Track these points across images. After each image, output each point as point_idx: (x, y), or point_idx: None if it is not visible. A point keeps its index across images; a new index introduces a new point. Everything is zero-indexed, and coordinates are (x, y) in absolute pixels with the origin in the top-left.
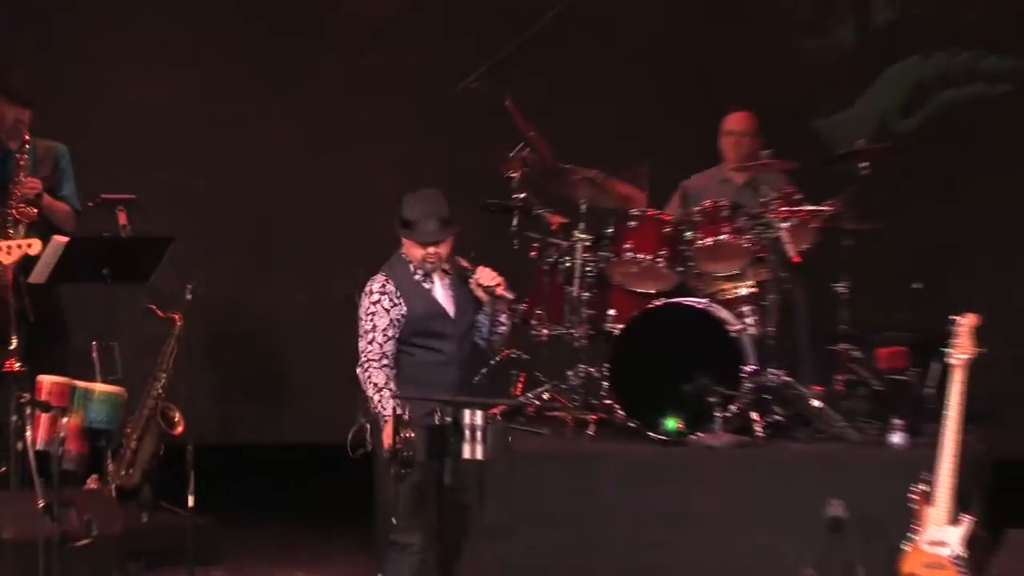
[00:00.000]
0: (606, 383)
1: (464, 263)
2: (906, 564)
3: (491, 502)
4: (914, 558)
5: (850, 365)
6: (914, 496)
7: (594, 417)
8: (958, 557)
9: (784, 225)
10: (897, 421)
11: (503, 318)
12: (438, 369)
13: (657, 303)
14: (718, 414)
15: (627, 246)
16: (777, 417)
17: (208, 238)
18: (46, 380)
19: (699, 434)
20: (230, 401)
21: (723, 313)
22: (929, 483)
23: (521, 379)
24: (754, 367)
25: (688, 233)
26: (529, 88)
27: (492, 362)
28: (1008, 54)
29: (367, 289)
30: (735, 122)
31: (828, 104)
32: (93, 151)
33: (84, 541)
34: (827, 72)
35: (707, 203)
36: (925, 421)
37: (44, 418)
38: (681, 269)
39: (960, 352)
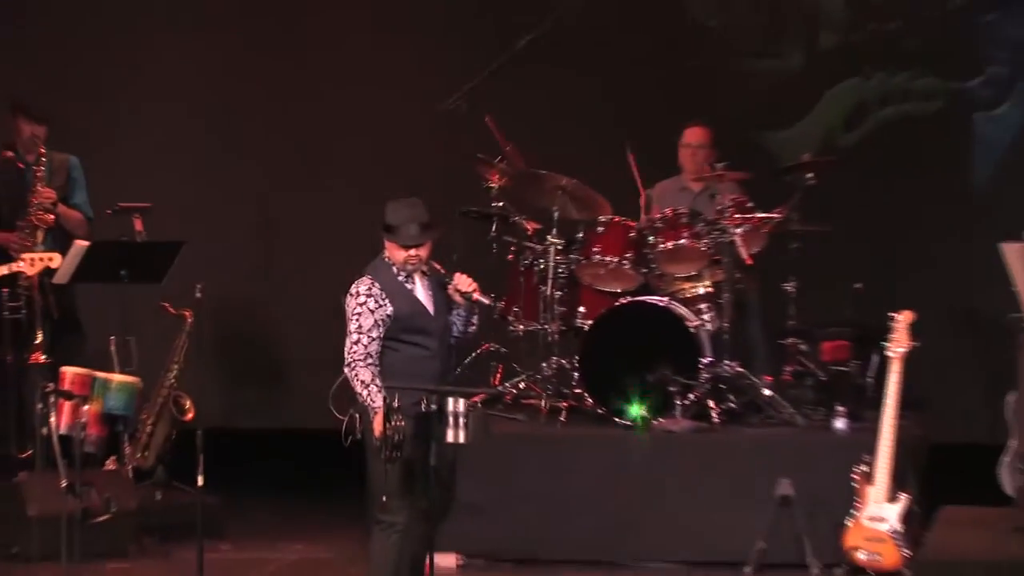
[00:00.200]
0: (576, 374)
1: (440, 268)
2: (848, 538)
3: (472, 481)
4: (856, 532)
5: (797, 357)
6: (855, 476)
7: (565, 405)
8: (896, 532)
9: (738, 230)
10: (840, 408)
11: (474, 319)
12: (422, 362)
13: (623, 301)
14: (678, 402)
15: (595, 249)
16: (731, 405)
17: (216, 243)
18: (69, 371)
19: (660, 420)
20: (236, 390)
21: (682, 310)
22: (869, 464)
23: (499, 370)
24: (710, 359)
25: (651, 238)
26: (507, 105)
27: (473, 354)
28: (939, 75)
29: (353, 291)
30: (692, 136)
31: (778, 120)
32: (113, 165)
33: (103, 517)
34: (777, 92)
35: (668, 210)
36: (865, 408)
37: (67, 405)
38: (645, 270)
39: (897, 346)
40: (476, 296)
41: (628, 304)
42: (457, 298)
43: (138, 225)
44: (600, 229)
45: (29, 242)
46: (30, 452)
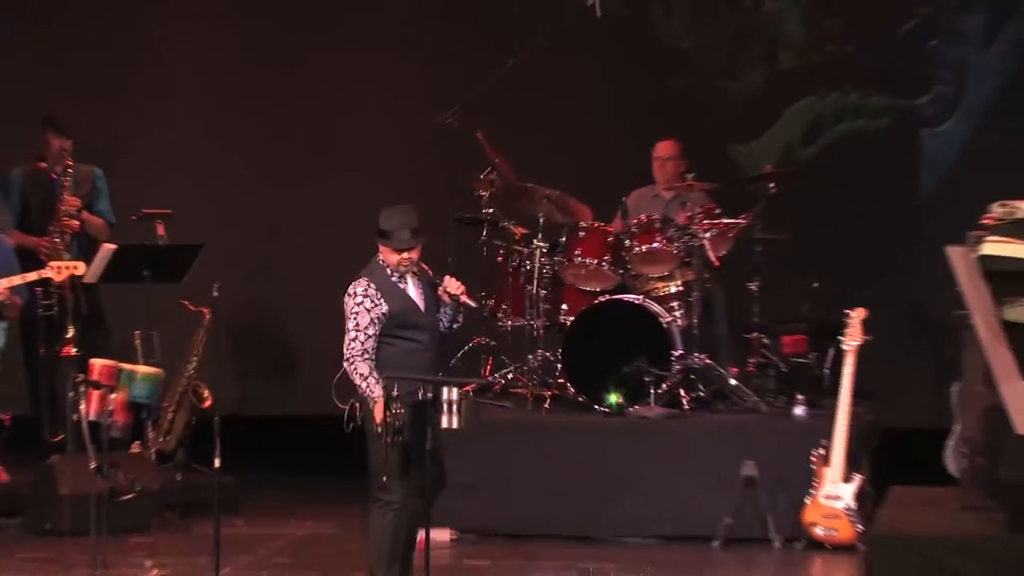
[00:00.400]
0: (559, 365)
1: (428, 270)
2: (807, 514)
3: (464, 463)
4: (814, 509)
5: (760, 350)
6: (813, 458)
7: (550, 393)
8: (850, 509)
9: (706, 235)
10: (799, 396)
11: (460, 317)
12: (415, 355)
13: (602, 299)
14: (652, 391)
15: (577, 252)
16: (700, 393)
17: (231, 246)
18: (97, 363)
19: (636, 407)
20: (249, 380)
21: (656, 308)
22: (826, 448)
23: (489, 362)
24: (681, 352)
25: (627, 241)
26: (497, 121)
27: (466, 348)
28: (889, 94)
29: (351, 291)
30: (662, 149)
31: (742, 135)
32: (138, 175)
33: (129, 496)
34: (741, 109)
35: (643, 217)
36: (822, 396)
37: (95, 394)
38: (621, 271)
39: (851, 339)
40: (464, 299)
41: (606, 302)
42: (446, 299)
43: (160, 230)
44: (581, 234)
45: (59, 246)
46: (62, 437)
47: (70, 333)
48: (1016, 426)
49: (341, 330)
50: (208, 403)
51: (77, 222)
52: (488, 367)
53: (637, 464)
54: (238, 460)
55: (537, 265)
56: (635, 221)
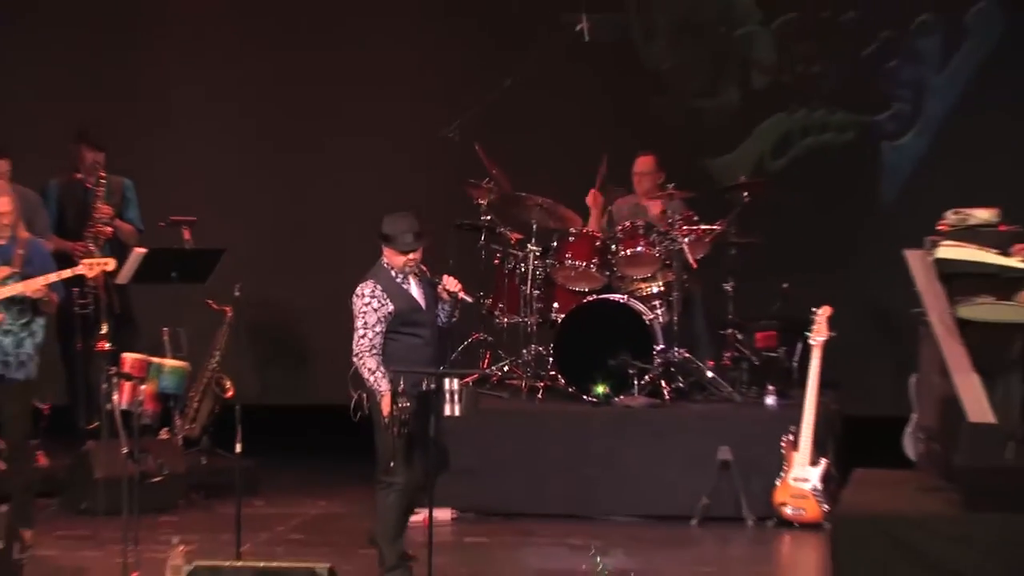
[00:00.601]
0: (551, 359)
1: (426, 271)
2: (777, 495)
3: (464, 448)
4: (783, 490)
5: (735, 345)
6: (783, 444)
7: (542, 384)
8: (816, 490)
9: (685, 240)
10: (770, 387)
11: (456, 312)
12: (418, 349)
13: (590, 299)
14: (635, 382)
15: (567, 255)
16: (680, 384)
17: (251, 250)
18: (128, 357)
19: (621, 397)
20: (268, 372)
21: (639, 306)
22: (795, 434)
23: (487, 356)
24: (662, 347)
25: (613, 246)
26: (494, 135)
27: (465, 343)
28: (852, 111)
29: (359, 293)
30: (640, 164)
31: (718, 148)
32: (167, 184)
33: (157, 478)
34: (717, 124)
35: (627, 223)
36: (791, 387)
37: (127, 385)
38: (608, 273)
39: (818, 335)
40: (461, 295)
41: (594, 301)
42: (445, 296)
43: (186, 235)
44: (571, 239)
45: (93, 250)
46: (96, 424)
47: (104, 329)
48: (968, 414)
49: (351, 326)
50: (230, 393)
51: (110, 229)
52: (486, 360)
53: (622, 449)
54: (257, 445)
55: (531, 267)
56: (620, 227)
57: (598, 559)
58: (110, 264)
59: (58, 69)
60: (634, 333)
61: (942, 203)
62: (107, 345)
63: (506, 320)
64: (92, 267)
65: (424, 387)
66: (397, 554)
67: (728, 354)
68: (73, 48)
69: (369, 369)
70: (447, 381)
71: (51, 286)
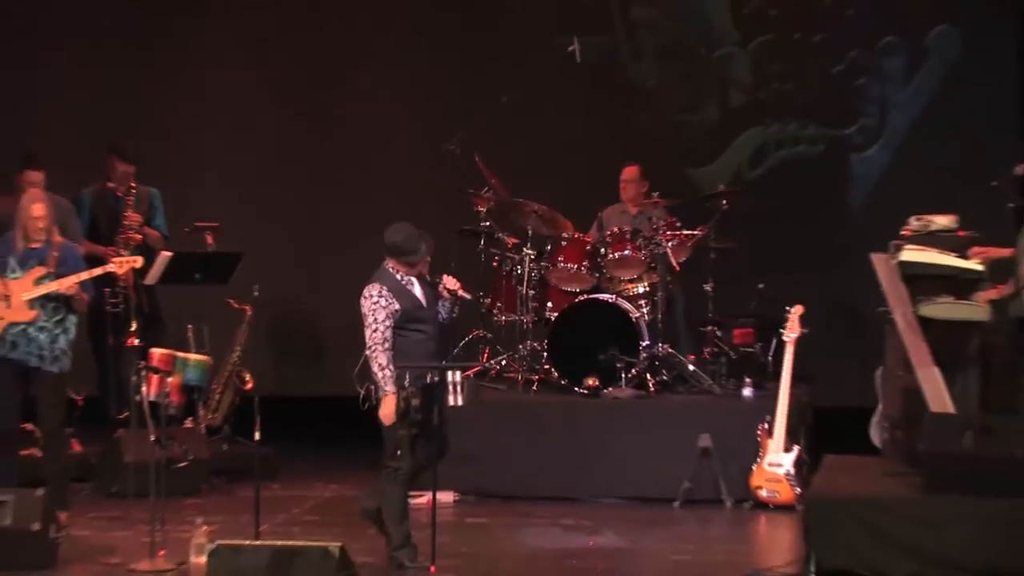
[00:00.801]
0: (545, 354)
1: (426, 275)
2: (753, 479)
3: (465, 436)
4: (759, 475)
5: (714, 341)
6: (759, 432)
7: (537, 377)
8: (789, 474)
9: (668, 244)
10: (747, 380)
11: (455, 309)
12: (423, 343)
13: (581, 298)
14: (623, 375)
15: (560, 258)
16: (664, 377)
17: (269, 253)
18: (156, 352)
19: (610, 389)
20: (284, 366)
21: (626, 305)
22: (769, 423)
23: (486, 351)
24: (648, 343)
25: (602, 249)
26: (493, 146)
27: (466, 339)
28: (823, 125)
29: (367, 294)
30: (626, 173)
31: (699, 159)
32: (191, 192)
33: (182, 464)
34: (698, 138)
35: (615, 228)
36: (766, 380)
37: (155, 378)
38: (598, 274)
39: (791, 332)
40: (460, 293)
41: (585, 300)
42: (445, 294)
43: (209, 239)
44: (564, 243)
45: (123, 254)
46: (126, 414)
47: (133, 327)
48: (930, 405)
49: (361, 324)
50: (250, 385)
51: (139, 236)
52: (486, 355)
53: (610, 437)
54: (275, 434)
55: (527, 269)
56: (609, 233)
57: None
58: (138, 261)
59: (90, 85)
60: (622, 330)
61: (905, 210)
62: (136, 341)
63: (504, 318)
64: (121, 264)
65: (428, 379)
66: (403, 534)
67: (708, 349)
68: (107, 66)
69: (380, 365)
70: (450, 374)
71: (82, 285)
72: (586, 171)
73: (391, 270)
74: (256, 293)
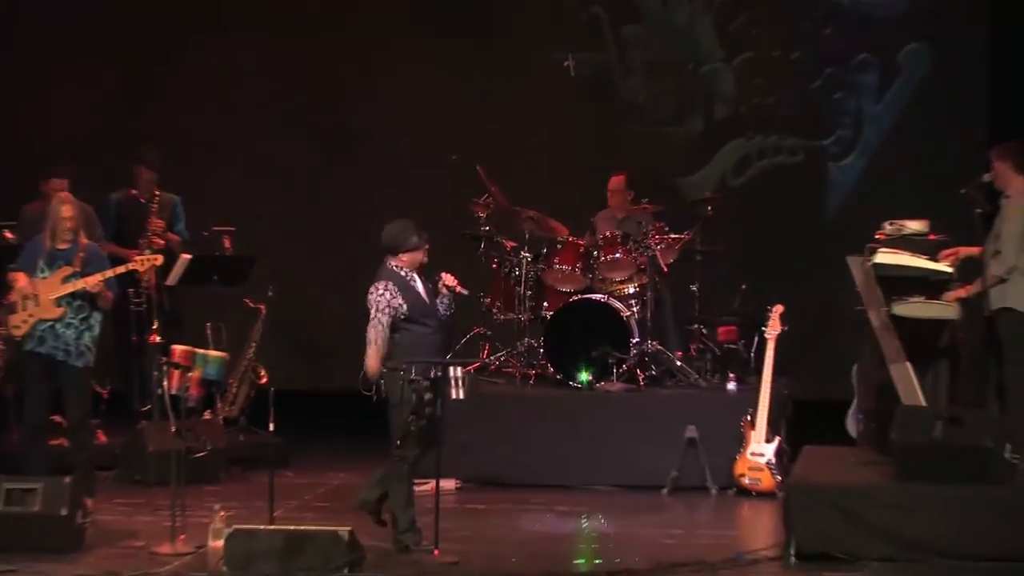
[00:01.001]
0: (541, 350)
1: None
2: (737, 468)
3: (467, 427)
4: (742, 464)
5: (700, 338)
6: (742, 423)
7: (534, 372)
8: (771, 463)
9: (657, 247)
10: (731, 375)
11: (452, 305)
12: (428, 338)
13: (575, 298)
14: (614, 370)
15: (555, 261)
16: (653, 372)
17: (282, 257)
18: (177, 348)
19: (602, 383)
20: (297, 362)
21: (618, 304)
22: (752, 415)
23: (486, 347)
24: (637, 340)
25: (595, 252)
26: (492, 158)
27: (467, 336)
28: (802, 136)
29: (373, 290)
30: (612, 183)
31: (685, 169)
32: (210, 199)
33: (201, 453)
34: (685, 148)
35: (607, 233)
36: (749, 375)
37: (176, 373)
38: (591, 276)
39: (772, 330)
40: (458, 289)
41: (579, 300)
42: (444, 291)
43: (226, 243)
44: (559, 246)
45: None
46: (149, 407)
47: (155, 325)
48: (902, 398)
49: (368, 322)
50: (264, 380)
51: (162, 241)
52: (485, 351)
53: (602, 428)
54: (288, 425)
55: (524, 271)
56: (601, 236)
57: None
58: (158, 259)
59: (115, 96)
60: (613, 328)
61: (879, 216)
62: (158, 338)
63: (503, 317)
64: (143, 262)
65: (432, 374)
66: (409, 518)
67: (694, 346)
68: (132, 75)
69: (372, 341)
70: (452, 369)
71: (106, 283)
72: (579, 179)
73: (395, 268)
74: (270, 293)
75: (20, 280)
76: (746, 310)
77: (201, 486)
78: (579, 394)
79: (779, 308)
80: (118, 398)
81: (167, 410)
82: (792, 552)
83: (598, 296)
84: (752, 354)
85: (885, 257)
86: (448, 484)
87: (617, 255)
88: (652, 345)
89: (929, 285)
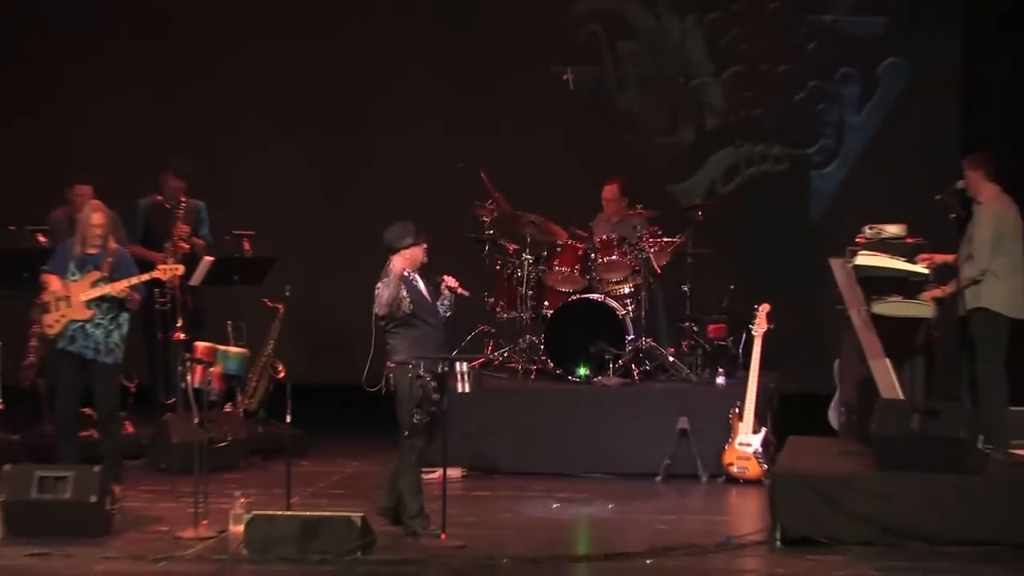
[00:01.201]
0: (542, 347)
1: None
2: (726, 457)
3: (472, 419)
4: (730, 453)
5: (691, 335)
6: (730, 415)
7: (535, 368)
8: (758, 453)
9: (651, 250)
10: (720, 370)
11: (452, 305)
12: (433, 335)
13: (574, 298)
14: (611, 365)
15: (555, 262)
16: (647, 367)
17: (298, 257)
18: (200, 344)
19: (599, 378)
20: (313, 357)
21: (614, 303)
22: (740, 407)
23: (490, 344)
24: (632, 337)
25: (593, 255)
26: (495, 164)
27: (472, 333)
28: (787, 146)
29: (380, 284)
30: (606, 192)
31: (677, 176)
32: (231, 205)
33: (223, 444)
34: (677, 157)
35: (603, 236)
36: (737, 370)
37: (198, 368)
38: (588, 277)
39: (759, 327)
40: (459, 291)
41: (577, 299)
42: (446, 292)
43: (246, 246)
44: (558, 248)
45: (169, 261)
46: (173, 400)
47: (179, 323)
48: (881, 391)
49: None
50: (282, 374)
51: (187, 245)
52: (489, 348)
53: (599, 419)
54: (304, 417)
55: (525, 272)
56: (598, 240)
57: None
58: (179, 270)
59: (142, 106)
60: (609, 326)
61: (860, 220)
62: (182, 335)
63: (505, 315)
64: (165, 271)
65: (439, 369)
66: (418, 505)
67: (686, 343)
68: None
69: (380, 296)
70: (458, 364)
71: (133, 287)
72: (578, 186)
73: (398, 267)
74: (288, 293)
75: (53, 282)
76: (734, 309)
77: (222, 474)
78: (578, 388)
79: (766, 307)
80: (144, 392)
81: (190, 403)
82: (778, 536)
83: (596, 296)
84: (740, 350)
85: (865, 259)
86: (454, 472)
87: (613, 257)
88: (646, 342)
89: (907, 285)
